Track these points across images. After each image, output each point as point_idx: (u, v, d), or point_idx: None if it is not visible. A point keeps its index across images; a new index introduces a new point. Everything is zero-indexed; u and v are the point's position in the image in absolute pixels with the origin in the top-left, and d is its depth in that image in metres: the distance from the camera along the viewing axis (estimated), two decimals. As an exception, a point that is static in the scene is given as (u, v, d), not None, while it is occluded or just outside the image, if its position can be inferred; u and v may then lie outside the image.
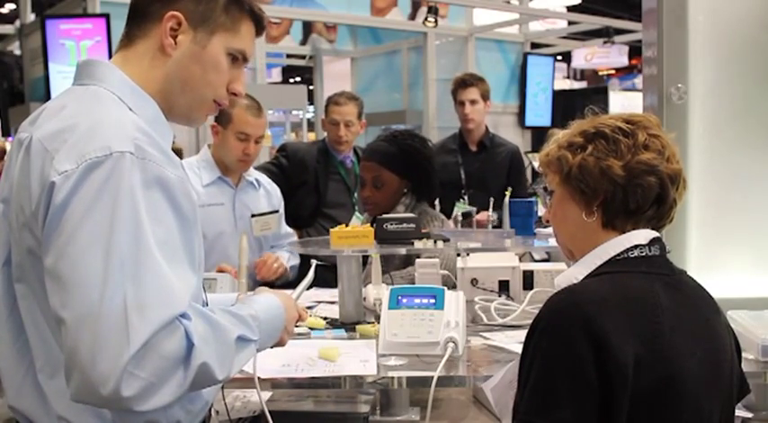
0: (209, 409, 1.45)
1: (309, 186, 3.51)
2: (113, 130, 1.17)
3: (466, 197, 2.98)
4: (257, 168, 3.53)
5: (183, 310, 1.14)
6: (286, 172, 3.50)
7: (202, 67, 1.34)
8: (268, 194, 2.96)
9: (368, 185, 2.72)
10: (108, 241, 1.10)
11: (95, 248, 1.10)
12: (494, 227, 2.84)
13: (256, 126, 2.76)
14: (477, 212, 2.80)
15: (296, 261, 2.88)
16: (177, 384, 1.12)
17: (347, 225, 2.46)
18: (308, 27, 8.89)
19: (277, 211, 2.91)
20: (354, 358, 1.83)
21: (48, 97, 5.63)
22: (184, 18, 1.31)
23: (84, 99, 1.26)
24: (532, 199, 2.74)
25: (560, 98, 8.87)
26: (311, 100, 9.66)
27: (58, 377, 1.21)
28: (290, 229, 3.03)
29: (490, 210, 2.68)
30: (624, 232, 1.34)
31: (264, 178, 3.02)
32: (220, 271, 2.49)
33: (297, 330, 2.07)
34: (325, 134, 3.69)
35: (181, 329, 1.12)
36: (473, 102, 3.86)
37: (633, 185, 1.32)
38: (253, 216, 2.82)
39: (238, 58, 1.38)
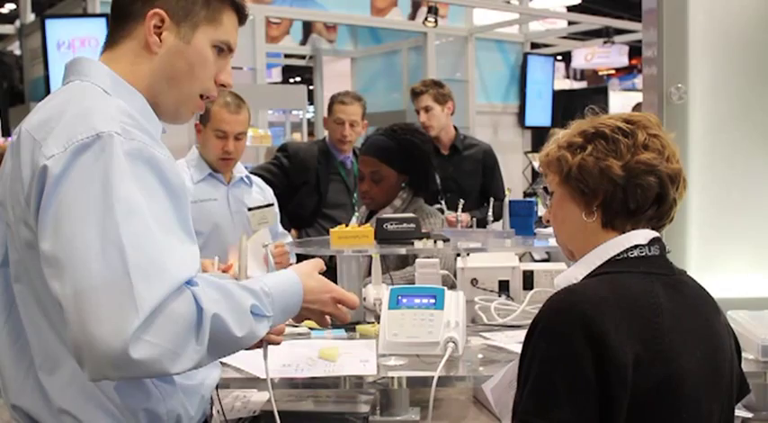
0: (211, 407, 1.45)
1: (310, 186, 3.51)
2: (100, 115, 1.18)
3: (443, 202, 2.99)
4: (257, 168, 3.54)
5: (188, 275, 1.14)
6: (288, 172, 3.49)
7: (188, 63, 1.34)
8: (262, 191, 2.96)
9: (366, 179, 2.74)
10: (103, 217, 1.10)
11: (90, 225, 1.10)
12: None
13: (234, 123, 2.74)
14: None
15: (293, 260, 2.87)
16: (192, 348, 1.11)
17: (347, 225, 2.46)
18: (308, 27, 8.88)
19: (273, 205, 2.91)
20: (354, 358, 1.83)
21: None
22: (167, 15, 1.32)
23: (69, 92, 1.27)
24: (532, 199, 2.74)
25: (560, 98, 8.85)
26: (311, 100, 9.65)
27: (58, 372, 1.22)
28: (283, 230, 3.02)
29: (459, 211, 2.68)
30: (624, 232, 1.34)
31: (256, 178, 3.03)
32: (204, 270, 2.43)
33: (296, 330, 2.07)
34: (326, 134, 3.69)
35: (188, 293, 1.12)
36: (426, 109, 3.84)
37: (633, 185, 1.31)
38: (249, 209, 2.82)
39: (224, 50, 1.39)
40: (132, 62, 1.33)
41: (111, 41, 1.36)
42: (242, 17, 1.42)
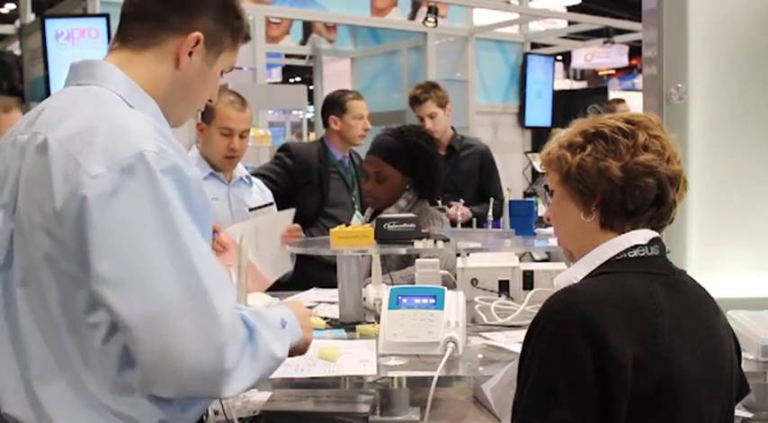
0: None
1: (313, 186, 3.52)
2: (136, 131, 1.19)
3: (439, 202, 2.99)
4: (261, 169, 3.55)
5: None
6: (292, 172, 3.50)
7: (205, 83, 1.39)
8: (261, 192, 2.98)
9: (370, 179, 2.74)
10: (167, 236, 1.14)
11: (157, 245, 1.13)
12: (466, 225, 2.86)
13: (239, 120, 2.77)
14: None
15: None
16: (249, 365, 1.17)
17: (347, 224, 2.46)
18: (308, 27, 8.88)
19: (272, 204, 2.92)
20: (354, 358, 1.83)
21: (47, 97, 5.58)
22: (203, 37, 1.34)
23: (92, 100, 1.26)
24: (532, 199, 2.74)
25: (560, 98, 8.86)
26: (311, 100, 9.65)
27: (53, 383, 1.20)
28: None
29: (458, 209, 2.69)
30: (623, 233, 1.34)
31: (255, 178, 3.05)
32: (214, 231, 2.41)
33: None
34: (325, 132, 3.70)
35: (236, 313, 1.18)
36: (432, 115, 3.84)
37: (631, 186, 1.31)
38: (250, 210, 2.83)
39: (224, 71, 1.45)
40: (154, 71, 1.34)
41: (134, 43, 1.35)
42: (246, 39, 1.47)
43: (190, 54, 1.34)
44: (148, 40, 1.34)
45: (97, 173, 1.13)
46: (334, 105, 3.68)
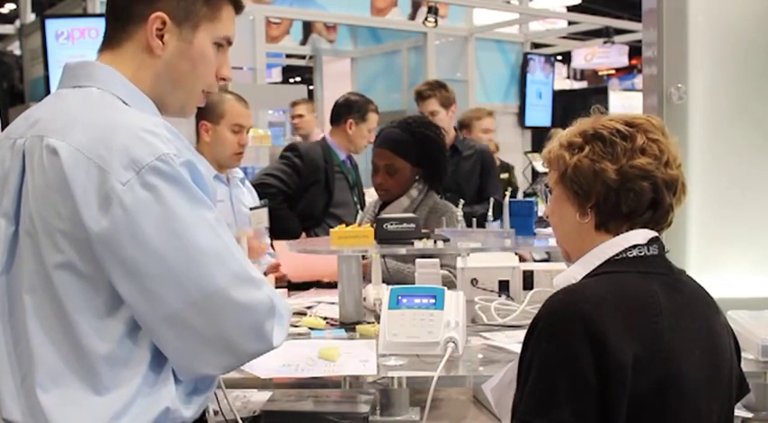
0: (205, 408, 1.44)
1: (320, 186, 3.54)
2: (153, 134, 1.19)
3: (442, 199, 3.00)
4: (269, 170, 3.56)
5: None
6: (301, 172, 3.51)
7: (191, 62, 1.35)
8: (249, 191, 3.00)
9: (381, 172, 2.75)
10: (204, 229, 1.19)
11: (202, 237, 1.18)
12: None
13: (248, 116, 2.83)
14: None
15: None
16: (281, 327, 1.28)
17: (348, 224, 2.47)
18: (308, 27, 8.89)
19: (266, 205, 2.93)
20: (354, 358, 1.83)
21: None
22: (168, 17, 1.31)
23: (98, 104, 1.26)
24: (532, 199, 2.73)
25: (560, 98, 8.87)
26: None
27: (55, 389, 1.18)
28: None
29: (459, 211, 2.69)
30: (618, 235, 1.34)
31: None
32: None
33: (297, 330, 2.08)
34: (331, 131, 3.71)
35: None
36: (433, 113, 3.84)
37: (626, 189, 1.31)
38: (251, 209, 2.84)
39: (223, 45, 1.39)
40: (137, 65, 1.32)
41: (112, 41, 1.34)
42: (238, 8, 1.42)
43: (162, 38, 1.31)
44: (122, 35, 1.33)
45: (127, 179, 1.14)
46: (358, 111, 3.68)
